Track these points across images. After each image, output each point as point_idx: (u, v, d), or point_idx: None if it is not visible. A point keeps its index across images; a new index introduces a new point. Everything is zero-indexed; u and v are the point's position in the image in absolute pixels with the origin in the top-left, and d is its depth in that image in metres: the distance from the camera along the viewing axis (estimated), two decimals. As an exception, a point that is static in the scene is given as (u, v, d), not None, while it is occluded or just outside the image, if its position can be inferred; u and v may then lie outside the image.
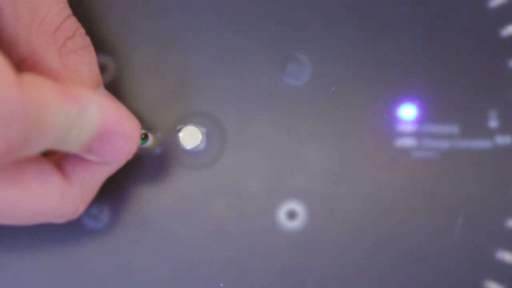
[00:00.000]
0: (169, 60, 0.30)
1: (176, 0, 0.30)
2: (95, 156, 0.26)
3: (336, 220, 0.30)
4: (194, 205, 0.30)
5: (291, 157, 0.30)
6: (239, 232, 0.30)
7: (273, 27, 0.30)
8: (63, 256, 0.30)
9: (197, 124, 0.30)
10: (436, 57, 0.30)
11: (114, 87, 0.30)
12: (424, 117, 0.30)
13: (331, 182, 0.30)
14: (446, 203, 0.29)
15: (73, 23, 0.27)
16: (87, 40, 0.28)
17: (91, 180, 0.27)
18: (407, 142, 0.30)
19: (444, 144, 0.30)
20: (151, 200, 0.30)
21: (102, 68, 0.30)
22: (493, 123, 0.29)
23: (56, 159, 0.27)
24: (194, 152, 0.30)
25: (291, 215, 0.30)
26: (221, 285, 0.30)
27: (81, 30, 0.27)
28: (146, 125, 0.30)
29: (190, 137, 0.29)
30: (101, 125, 0.25)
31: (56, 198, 0.26)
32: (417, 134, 0.30)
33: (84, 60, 0.27)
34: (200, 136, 0.29)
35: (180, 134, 0.29)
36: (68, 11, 0.27)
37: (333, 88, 0.30)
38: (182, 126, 0.29)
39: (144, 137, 0.28)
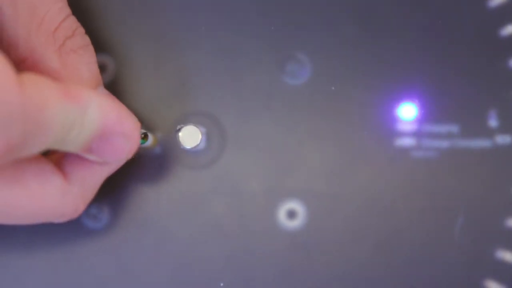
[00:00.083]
0: (169, 59, 0.30)
1: (176, 0, 0.30)
2: (95, 155, 0.26)
3: (336, 220, 0.30)
4: (194, 205, 0.30)
5: (291, 156, 0.30)
6: (239, 232, 0.30)
7: (273, 27, 0.30)
8: (63, 256, 0.30)
9: (197, 123, 0.30)
10: (435, 57, 0.30)
11: (114, 87, 0.30)
12: (424, 117, 0.30)
13: (331, 181, 0.30)
14: (446, 203, 0.29)
15: (72, 22, 0.27)
16: (86, 39, 0.27)
17: (91, 179, 0.27)
18: (407, 142, 0.30)
19: (444, 144, 0.30)
20: (150, 200, 0.30)
21: (102, 68, 0.30)
22: (492, 122, 0.30)
23: (56, 159, 0.27)
24: (194, 152, 0.30)
25: (291, 214, 0.30)
26: (221, 284, 0.30)
27: (81, 30, 0.27)
28: (146, 125, 0.30)
29: (190, 136, 0.29)
30: (101, 124, 0.25)
31: (56, 198, 0.26)
32: (417, 134, 0.30)
33: (84, 60, 0.27)
34: (200, 136, 0.29)
35: (180, 134, 0.29)
36: (67, 10, 0.27)
37: (333, 88, 0.30)
38: (182, 125, 0.29)
39: (144, 137, 0.28)
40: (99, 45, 0.30)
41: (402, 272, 0.29)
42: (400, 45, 0.30)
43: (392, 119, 0.30)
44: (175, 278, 0.30)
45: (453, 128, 0.30)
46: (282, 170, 0.30)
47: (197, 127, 0.29)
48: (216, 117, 0.30)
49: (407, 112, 0.30)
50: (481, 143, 0.29)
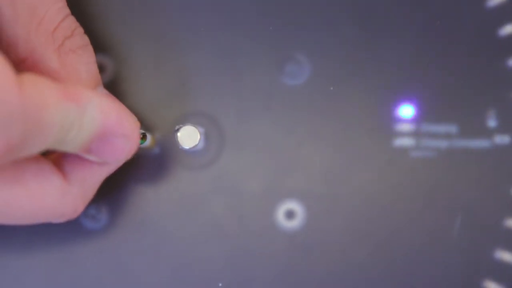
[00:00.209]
0: (168, 60, 0.30)
1: (176, 0, 0.30)
2: (94, 156, 0.26)
3: (335, 220, 0.30)
4: (193, 205, 0.30)
5: (290, 157, 0.30)
6: (238, 232, 0.30)
7: (272, 27, 0.30)
8: (62, 256, 0.30)
9: (195, 124, 0.30)
10: (434, 57, 0.30)
11: (113, 87, 0.30)
12: (423, 117, 0.30)
13: (330, 181, 0.30)
14: (445, 203, 0.29)
15: (71, 22, 0.27)
16: (85, 39, 0.27)
17: (90, 180, 0.27)
18: (406, 142, 0.30)
19: (443, 144, 0.30)
20: (149, 200, 0.30)
21: (101, 68, 0.30)
22: (491, 122, 0.30)
23: (55, 159, 0.27)
24: (192, 152, 0.30)
25: (290, 215, 0.30)
26: (220, 285, 0.30)
27: (80, 29, 0.27)
28: (145, 125, 0.30)
29: (189, 137, 0.29)
30: (101, 125, 0.25)
31: (55, 198, 0.26)
32: (416, 134, 0.30)
33: (83, 60, 0.27)
34: (199, 136, 0.29)
35: (179, 134, 0.29)
36: (66, 10, 0.27)
37: (332, 88, 0.30)
38: (181, 126, 0.29)
39: (143, 137, 0.28)
40: (99, 45, 0.30)
41: (401, 272, 0.29)
42: (399, 45, 0.30)
43: (391, 119, 0.30)
44: (174, 278, 0.30)
45: (452, 128, 0.30)
46: (281, 170, 0.30)
47: (195, 127, 0.29)
48: (215, 117, 0.30)
49: (406, 112, 0.30)
50: (480, 143, 0.29)
